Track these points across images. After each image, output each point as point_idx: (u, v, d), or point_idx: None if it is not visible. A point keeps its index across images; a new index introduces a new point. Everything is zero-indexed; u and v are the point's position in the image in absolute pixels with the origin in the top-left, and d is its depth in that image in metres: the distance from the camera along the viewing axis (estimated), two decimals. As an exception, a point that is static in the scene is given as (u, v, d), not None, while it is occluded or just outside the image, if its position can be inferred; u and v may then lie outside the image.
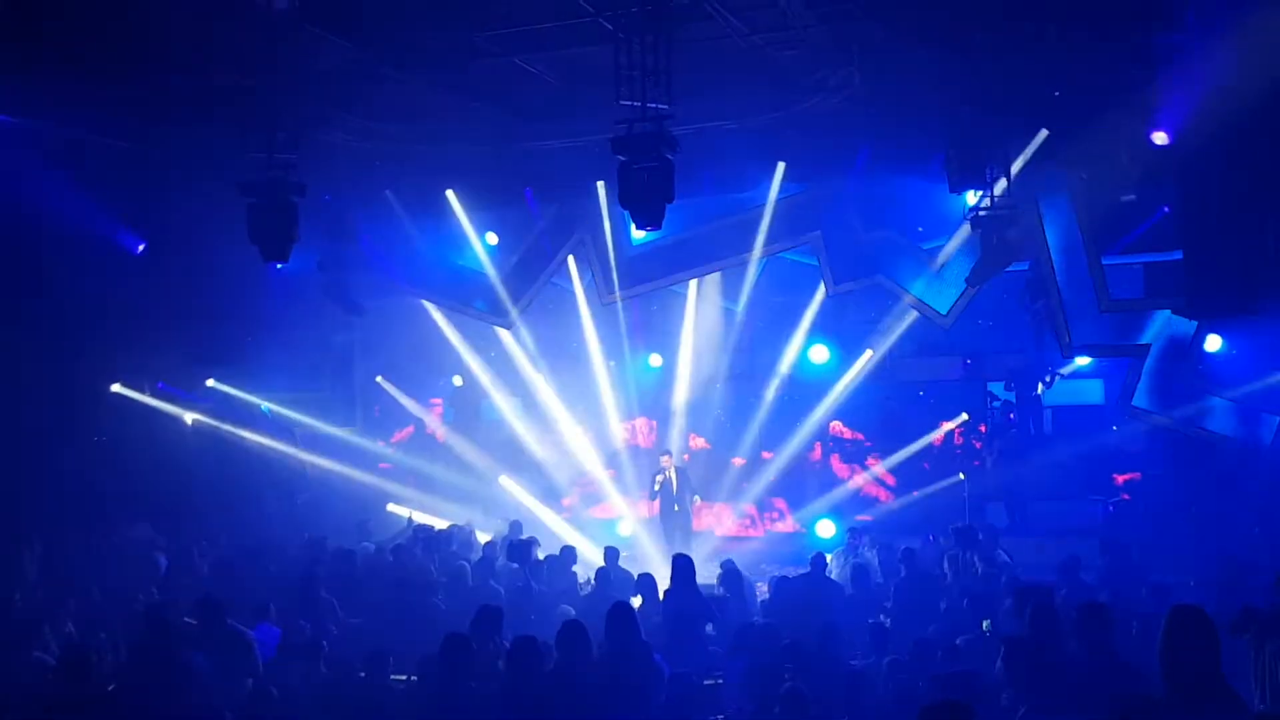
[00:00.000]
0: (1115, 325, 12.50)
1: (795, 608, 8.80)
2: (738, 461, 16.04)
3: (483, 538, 13.01)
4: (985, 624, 7.75)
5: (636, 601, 9.05)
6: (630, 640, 6.37)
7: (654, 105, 8.46)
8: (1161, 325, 12.37)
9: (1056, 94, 10.89)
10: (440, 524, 13.86)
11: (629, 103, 8.49)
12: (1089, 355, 13.52)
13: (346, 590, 10.08)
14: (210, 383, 15.36)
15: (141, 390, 14.84)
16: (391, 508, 15.49)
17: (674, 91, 8.55)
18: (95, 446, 14.32)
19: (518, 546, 10.64)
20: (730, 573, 9.71)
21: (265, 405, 15.70)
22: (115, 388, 14.62)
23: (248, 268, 13.55)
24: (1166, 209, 12.29)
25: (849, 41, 10.35)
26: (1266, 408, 11.68)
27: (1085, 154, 11.59)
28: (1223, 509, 11.45)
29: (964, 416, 15.31)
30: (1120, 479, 13.85)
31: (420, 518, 14.52)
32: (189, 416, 15.19)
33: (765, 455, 15.93)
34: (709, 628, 9.20)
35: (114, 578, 10.58)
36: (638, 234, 14.72)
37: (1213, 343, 12.05)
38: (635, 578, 10.36)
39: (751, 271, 14.94)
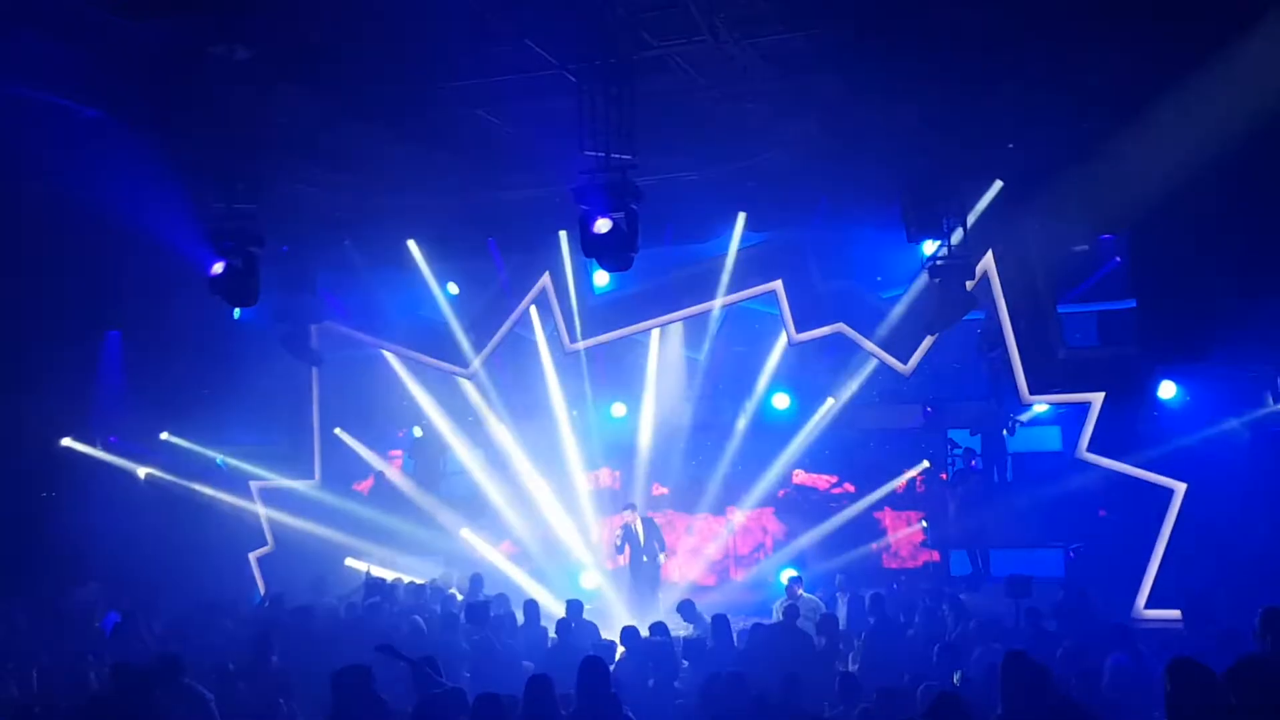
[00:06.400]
0: (1070, 373, 12.67)
1: (766, 657, 8.73)
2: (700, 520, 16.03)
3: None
4: (956, 675, 7.70)
5: (619, 652, 8.97)
6: (601, 694, 6.28)
7: (617, 155, 8.54)
8: (1113, 373, 12.55)
9: (1010, 146, 11.12)
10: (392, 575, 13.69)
11: (592, 153, 8.56)
12: (1045, 403, 13.68)
13: (303, 648, 9.83)
14: (164, 436, 15.08)
15: (93, 444, 14.52)
16: (350, 562, 15.22)
17: (636, 142, 8.64)
18: (44, 502, 13.98)
19: (475, 608, 10.48)
20: (718, 619, 9.67)
21: (220, 458, 15.42)
22: (65, 442, 14.31)
23: (203, 318, 13.51)
24: (1119, 259, 12.57)
25: (807, 95, 10.52)
26: (1218, 452, 11.84)
27: (1039, 205, 11.82)
28: (1181, 551, 11.57)
29: (925, 464, 15.39)
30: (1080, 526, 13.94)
31: (379, 571, 14.29)
32: (141, 471, 14.87)
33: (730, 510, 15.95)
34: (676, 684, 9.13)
35: (62, 638, 10.26)
36: (600, 282, 14.78)
37: (1166, 390, 12.24)
38: (598, 630, 10.30)
39: (714, 321, 15.06)
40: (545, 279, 14.42)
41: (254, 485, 14.94)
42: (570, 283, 14.32)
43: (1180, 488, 11.53)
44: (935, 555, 15.13)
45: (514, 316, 14.74)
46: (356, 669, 6.47)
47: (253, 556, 14.63)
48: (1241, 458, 11.73)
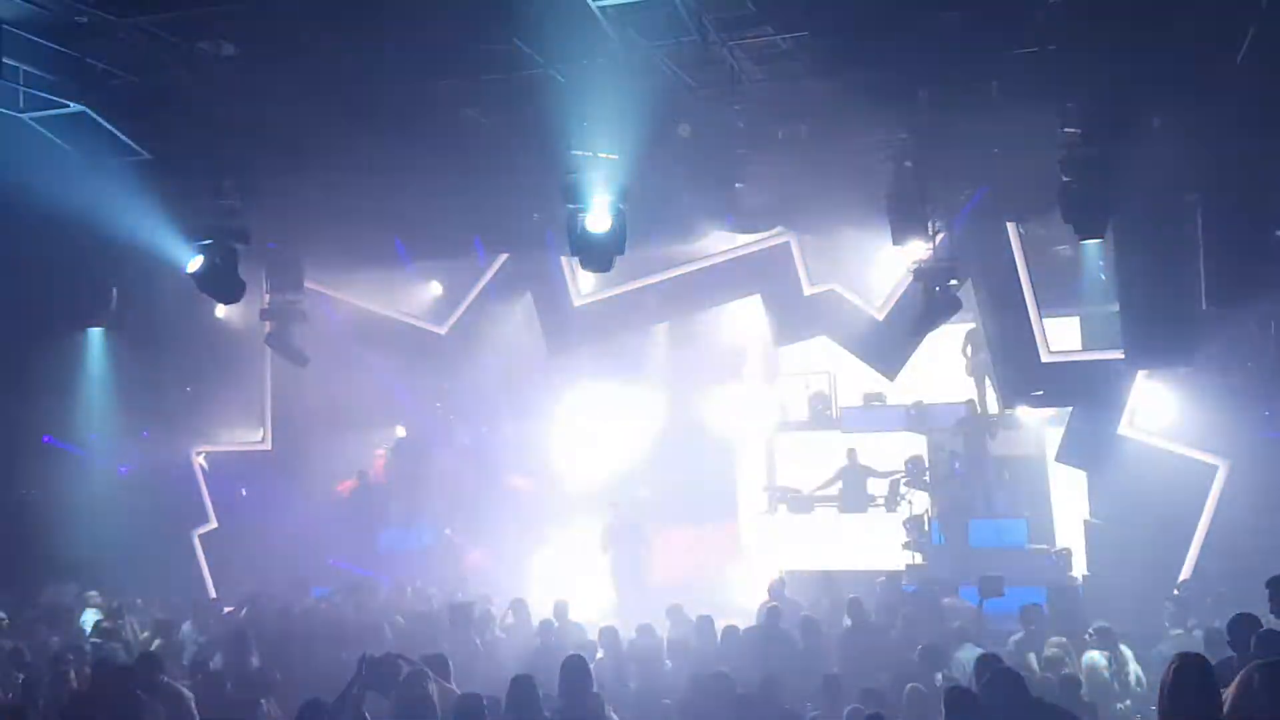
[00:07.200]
0: (1053, 377, 12.73)
1: (749, 658, 8.73)
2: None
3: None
4: (938, 677, 7.72)
5: (599, 655, 8.95)
6: (583, 694, 6.27)
7: (605, 155, 8.56)
8: (1096, 377, 12.63)
9: (996, 151, 11.17)
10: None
11: (580, 152, 8.58)
12: (1028, 406, 13.74)
13: (283, 647, 9.79)
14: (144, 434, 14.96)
15: (74, 442, 14.39)
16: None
17: (624, 142, 8.65)
18: (24, 500, 13.86)
19: (459, 609, 10.44)
20: (702, 621, 9.67)
21: (202, 458, 15.32)
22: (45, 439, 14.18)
23: (188, 316, 13.45)
24: (1102, 263, 12.64)
25: (795, 97, 10.54)
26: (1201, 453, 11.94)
27: (1024, 209, 11.86)
28: (1168, 550, 11.66)
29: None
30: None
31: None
32: (122, 468, 14.75)
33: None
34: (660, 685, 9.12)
35: (43, 636, 10.19)
36: (586, 282, 14.77)
37: (1150, 392, 12.31)
38: (584, 630, 10.27)
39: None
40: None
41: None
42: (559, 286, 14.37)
43: (1222, 465, 11.61)
44: (917, 557, 15.13)
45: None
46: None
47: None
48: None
